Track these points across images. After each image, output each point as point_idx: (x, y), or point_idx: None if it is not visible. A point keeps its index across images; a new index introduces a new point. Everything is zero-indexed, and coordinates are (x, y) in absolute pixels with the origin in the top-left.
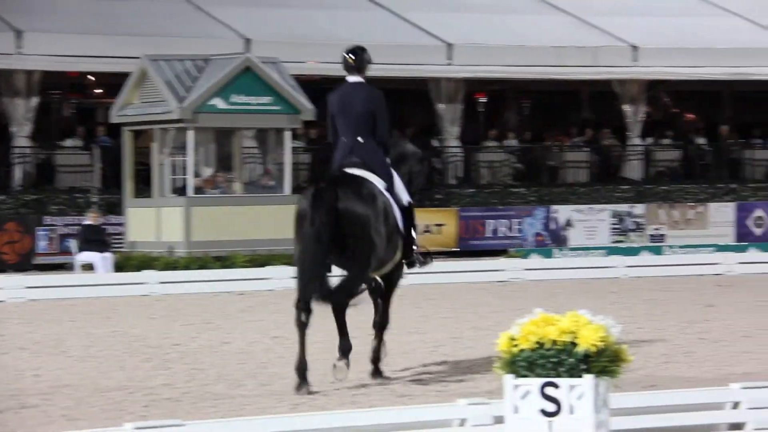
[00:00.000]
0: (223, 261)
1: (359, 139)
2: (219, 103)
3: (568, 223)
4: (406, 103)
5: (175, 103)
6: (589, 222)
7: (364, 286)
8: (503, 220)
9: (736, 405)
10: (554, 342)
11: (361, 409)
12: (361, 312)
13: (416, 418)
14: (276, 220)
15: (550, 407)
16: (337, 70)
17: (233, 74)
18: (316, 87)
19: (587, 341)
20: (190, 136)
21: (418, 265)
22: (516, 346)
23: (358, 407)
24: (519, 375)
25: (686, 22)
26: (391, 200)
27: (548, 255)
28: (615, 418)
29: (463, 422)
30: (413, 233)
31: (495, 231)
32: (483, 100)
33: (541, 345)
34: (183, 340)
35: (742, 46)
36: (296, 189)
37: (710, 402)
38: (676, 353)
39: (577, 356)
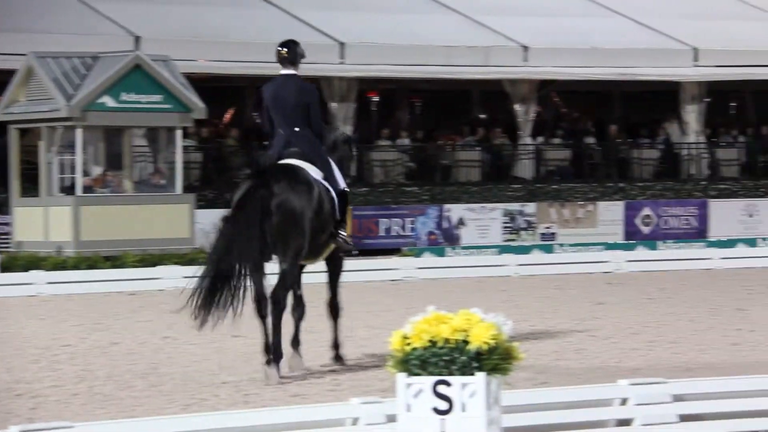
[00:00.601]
0: (113, 261)
1: (296, 129)
2: (108, 101)
3: (461, 222)
4: None
5: (62, 101)
6: (481, 221)
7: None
8: (396, 219)
9: (624, 401)
10: (447, 340)
11: (254, 409)
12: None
13: (309, 418)
14: (167, 220)
15: (443, 405)
16: (229, 68)
17: (123, 72)
18: (207, 86)
19: (479, 339)
20: (79, 134)
21: (347, 248)
22: (409, 344)
23: (250, 407)
24: (412, 373)
25: (575, 22)
26: (329, 188)
27: (441, 254)
28: (507, 415)
29: (355, 421)
30: (345, 219)
31: (388, 230)
32: (375, 99)
33: (433, 343)
34: (72, 341)
35: (629, 47)
36: (187, 188)
37: (599, 398)
38: (566, 350)
39: (470, 354)
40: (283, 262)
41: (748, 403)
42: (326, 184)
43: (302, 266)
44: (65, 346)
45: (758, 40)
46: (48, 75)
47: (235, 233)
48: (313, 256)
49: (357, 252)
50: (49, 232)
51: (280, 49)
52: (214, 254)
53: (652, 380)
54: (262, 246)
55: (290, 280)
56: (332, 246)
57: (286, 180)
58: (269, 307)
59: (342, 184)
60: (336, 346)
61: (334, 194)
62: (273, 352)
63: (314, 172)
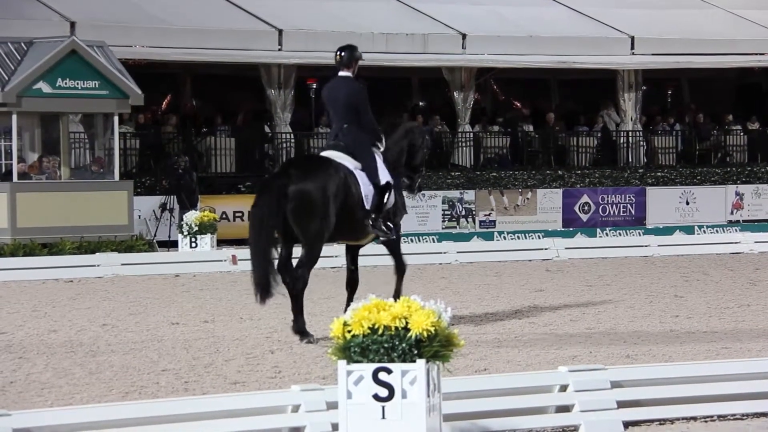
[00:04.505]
0: (51, 248)
1: (345, 125)
2: (44, 87)
3: None
4: (237, 89)
5: None
6: (420, 208)
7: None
8: None
9: (564, 388)
10: (387, 327)
11: (194, 396)
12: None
13: (250, 405)
14: (105, 207)
15: (383, 392)
16: (166, 54)
17: (58, 57)
18: (144, 72)
19: (419, 326)
20: (14, 120)
21: (381, 235)
22: (349, 331)
23: (190, 395)
24: (352, 360)
25: (513, 11)
26: (361, 178)
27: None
28: (447, 402)
29: (296, 408)
30: (381, 208)
31: None
32: (314, 86)
33: (374, 330)
34: (9, 329)
35: (567, 35)
36: (125, 175)
37: (539, 385)
38: (506, 337)
39: (410, 341)
40: (303, 245)
41: (686, 389)
42: (359, 174)
43: (356, 247)
44: (1, 334)
45: (694, 29)
46: None
47: (259, 220)
48: (353, 238)
49: (394, 237)
50: None
51: (336, 53)
52: (250, 240)
53: (591, 367)
54: (279, 230)
55: (309, 262)
56: (371, 233)
57: (304, 168)
58: (290, 283)
59: (384, 177)
60: (397, 295)
61: (368, 184)
62: (297, 332)
63: (348, 163)
